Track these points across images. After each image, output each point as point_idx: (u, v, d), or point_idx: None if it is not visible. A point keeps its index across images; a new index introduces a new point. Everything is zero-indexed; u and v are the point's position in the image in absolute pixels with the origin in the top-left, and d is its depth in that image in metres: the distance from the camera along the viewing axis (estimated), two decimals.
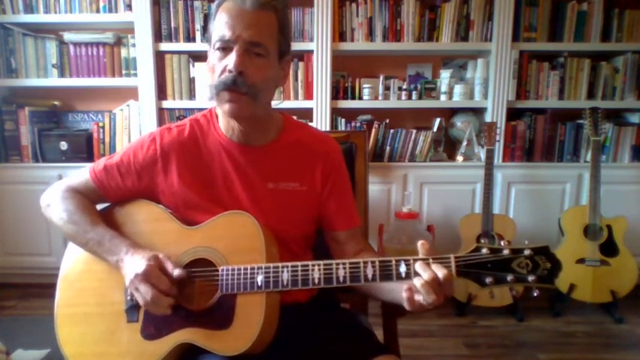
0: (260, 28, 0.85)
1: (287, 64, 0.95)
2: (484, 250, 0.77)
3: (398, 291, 0.82)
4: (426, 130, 2.53)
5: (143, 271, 0.82)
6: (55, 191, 0.98)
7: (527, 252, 0.76)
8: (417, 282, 0.75)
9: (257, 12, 0.84)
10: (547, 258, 0.75)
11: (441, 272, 0.74)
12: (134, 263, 0.84)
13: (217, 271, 0.86)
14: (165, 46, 2.48)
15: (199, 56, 2.51)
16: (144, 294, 0.83)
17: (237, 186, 0.95)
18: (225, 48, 0.85)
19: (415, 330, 2.12)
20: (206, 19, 2.46)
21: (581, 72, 2.50)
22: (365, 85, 2.53)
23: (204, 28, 2.46)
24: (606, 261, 2.19)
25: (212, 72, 0.88)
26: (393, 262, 0.80)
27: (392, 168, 2.51)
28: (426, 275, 0.75)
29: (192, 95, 2.54)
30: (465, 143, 2.54)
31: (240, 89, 0.84)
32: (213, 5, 0.89)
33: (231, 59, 0.84)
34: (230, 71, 0.84)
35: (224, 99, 0.86)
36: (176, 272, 0.84)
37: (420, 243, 0.79)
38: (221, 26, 0.85)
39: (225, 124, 0.96)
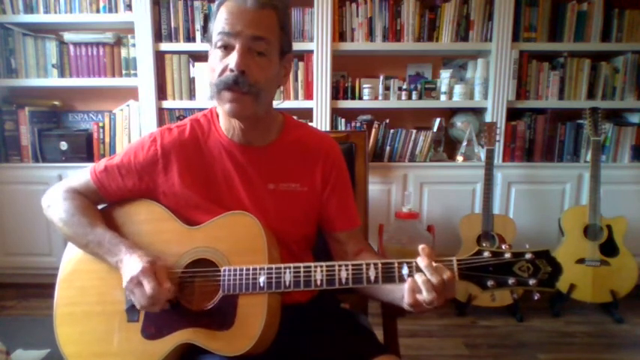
0: (261, 25, 0.84)
1: (288, 63, 0.95)
2: (486, 254, 0.77)
3: (397, 292, 0.83)
4: (426, 130, 2.53)
5: (138, 273, 0.81)
6: (56, 192, 0.98)
7: (528, 255, 0.76)
8: (419, 279, 0.76)
9: (258, 11, 0.84)
10: (548, 261, 0.76)
11: (444, 274, 0.75)
12: (131, 264, 0.83)
13: (219, 271, 0.86)
14: (165, 46, 2.48)
15: (199, 56, 2.51)
16: (139, 297, 0.83)
17: (238, 186, 0.94)
18: (226, 47, 0.84)
19: (415, 330, 2.12)
20: (206, 19, 2.46)
21: (581, 72, 2.50)
22: (365, 85, 2.53)
23: (204, 28, 2.45)
24: (606, 261, 2.19)
25: (213, 72, 0.87)
26: (396, 264, 0.80)
27: (392, 168, 2.51)
28: (429, 273, 0.75)
29: (192, 95, 2.54)
30: (465, 143, 2.54)
31: (241, 89, 0.83)
32: (214, 5, 0.88)
33: (232, 58, 0.83)
34: (231, 70, 0.83)
35: (225, 98, 0.85)
36: (166, 285, 0.82)
37: (420, 247, 0.79)
38: (222, 22, 0.84)
39: (226, 123, 0.96)
